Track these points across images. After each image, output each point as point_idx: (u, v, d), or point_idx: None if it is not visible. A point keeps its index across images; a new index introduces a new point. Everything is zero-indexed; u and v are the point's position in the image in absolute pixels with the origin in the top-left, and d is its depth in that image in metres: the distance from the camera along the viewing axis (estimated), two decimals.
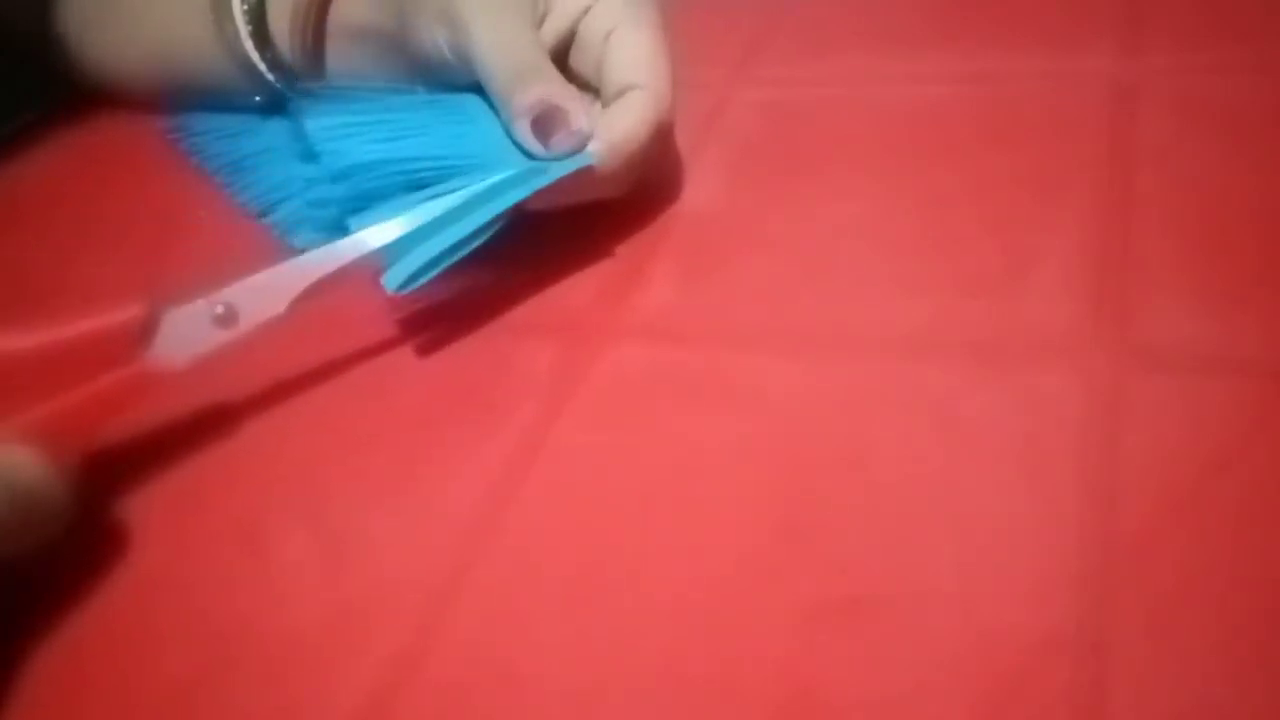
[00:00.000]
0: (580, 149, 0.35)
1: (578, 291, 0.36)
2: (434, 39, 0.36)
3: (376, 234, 0.33)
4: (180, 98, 0.47)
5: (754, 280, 0.35)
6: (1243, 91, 0.38)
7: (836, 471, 0.29)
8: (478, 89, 0.36)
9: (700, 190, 0.39)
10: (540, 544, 0.29)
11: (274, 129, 0.44)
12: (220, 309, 0.32)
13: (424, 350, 0.35)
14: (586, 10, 0.37)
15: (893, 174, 0.38)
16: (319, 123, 0.35)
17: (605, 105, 0.37)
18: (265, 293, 0.32)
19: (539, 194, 0.34)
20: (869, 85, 0.43)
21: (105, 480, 0.33)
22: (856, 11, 0.47)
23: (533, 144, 0.35)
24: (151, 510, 0.32)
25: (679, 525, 0.29)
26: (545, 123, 0.34)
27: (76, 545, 0.32)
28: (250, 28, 0.42)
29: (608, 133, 0.35)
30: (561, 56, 0.38)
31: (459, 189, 0.34)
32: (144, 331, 0.31)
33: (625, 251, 0.38)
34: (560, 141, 0.34)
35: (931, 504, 0.27)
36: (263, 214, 0.42)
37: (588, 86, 0.38)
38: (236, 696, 0.27)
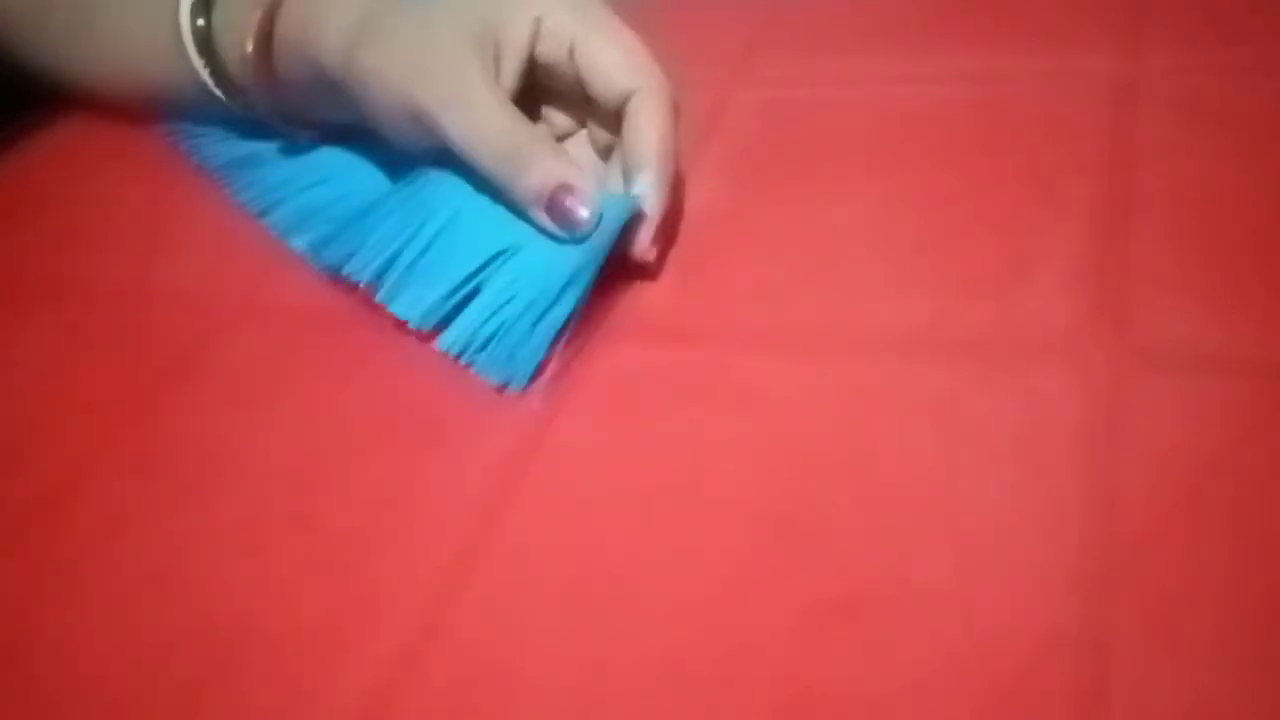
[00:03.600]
0: (594, 218, 0.33)
1: None
2: (400, 138, 0.35)
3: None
4: (166, 112, 0.47)
5: (754, 280, 0.35)
6: (1243, 91, 0.38)
7: (836, 471, 0.29)
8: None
9: (700, 190, 0.39)
10: (540, 544, 0.29)
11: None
12: None
13: (423, 349, 0.35)
14: (535, 35, 0.35)
15: (893, 174, 0.38)
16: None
17: (605, 119, 0.36)
18: None
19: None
20: (869, 85, 0.43)
21: (101, 478, 0.33)
22: (856, 11, 0.47)
23: (552, 227, 0.34)
24: (149, 509, 0.32)
25: (678, 525, 0.29)
26: (555, 198, 0.33)
27: (74, 545, 0.32)
28: (203, 60, 0.40)
29: (644, 155, 0.35)
30: (530, 85, 0.36)
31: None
32: None
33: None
34: (578, 223, 0.33)
35: (931, 504, 0.27)
36: (262, 214, 0.41)
37: (573, 101, 0.37)
38: (238, 696, 0.27)
